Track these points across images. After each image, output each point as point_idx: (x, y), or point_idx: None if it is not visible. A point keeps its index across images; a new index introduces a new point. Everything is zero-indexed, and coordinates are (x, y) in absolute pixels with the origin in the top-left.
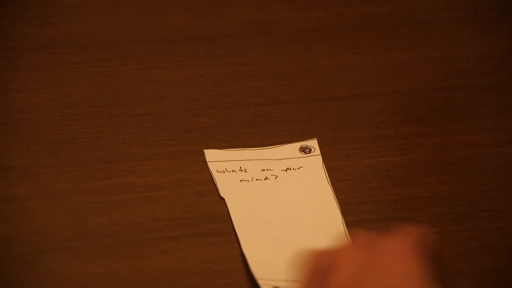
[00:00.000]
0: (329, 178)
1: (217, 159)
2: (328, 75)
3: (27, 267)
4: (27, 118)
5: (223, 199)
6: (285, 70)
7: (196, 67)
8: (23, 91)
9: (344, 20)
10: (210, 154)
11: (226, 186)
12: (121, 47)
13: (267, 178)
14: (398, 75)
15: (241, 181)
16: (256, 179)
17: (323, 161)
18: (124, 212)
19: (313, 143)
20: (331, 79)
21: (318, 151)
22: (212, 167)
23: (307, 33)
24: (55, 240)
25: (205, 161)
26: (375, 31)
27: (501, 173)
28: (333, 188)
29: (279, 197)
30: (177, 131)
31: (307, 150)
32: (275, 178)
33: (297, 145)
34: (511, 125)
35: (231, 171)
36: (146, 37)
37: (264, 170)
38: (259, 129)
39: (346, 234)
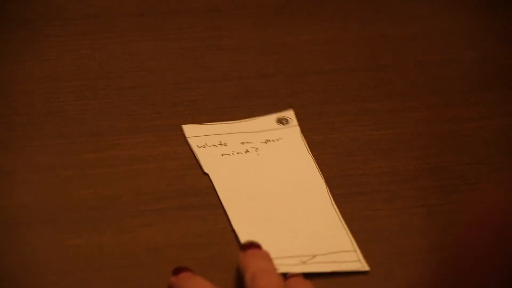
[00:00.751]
0: (314, 151)
1: (196, 134)
2: (312, 49)
3: (10, 240)
4: (11, 91)
5: (207, 174)
6: (269, 44)
7: (179, 41)
8: (6, 64)
9: None
10: (189, 130)
11: (208, 161)
12: (104, 21)
13: (247, 151)
14: (382, 50)
15: (222, 155)
16: (237, 153)
17: (310, 134)
18: (109, 185)
19: (290, 114)
20: (314, 53)
21: (295, 121)
22: (192, 142)
23: (290, 6)
24: (39, 213)
25: (185, 137)
26: (358, 5)
27: (485, 146)
28: (318, 162)
29: (262, 170)
30: (163, 105)
31: (284, 121)
32: (256, 150)
33: (274, 116)
34: (494, 99)
35: (211, 145)
36: (129, 10)
37: (244, 143)
38: (244, 103)
39: (332, 205)
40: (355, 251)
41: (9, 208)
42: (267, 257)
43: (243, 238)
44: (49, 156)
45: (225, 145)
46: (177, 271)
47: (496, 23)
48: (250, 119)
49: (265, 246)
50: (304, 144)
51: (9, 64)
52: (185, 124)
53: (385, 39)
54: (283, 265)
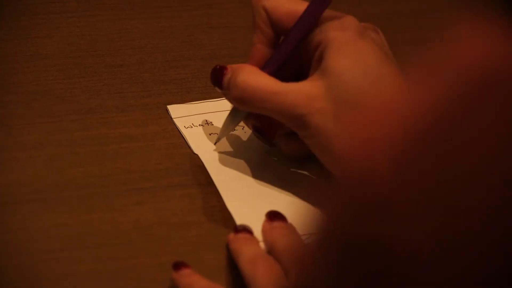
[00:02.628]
0: None
1: (182, 115)
2: None
3: None
4: None
5: (196, 155)
6: None
7: (169, 18)
8: None
9: None
10: (174, 110)
11: (197, 142)
12: None
13: (235, 130)
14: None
15: (210, 134)
16: None
17: None
18: (98, 163)
19: None
20: None
21: None
22: (179, 123)
23: None
24: (28, 192)
25: (171, 118)
26: None
27: None
28: None
29: (250, 147)
30: (152, 83)
31: None
32: (242, 129)
33: None
34: None
35: (198, 125)
36: None
37: None
38: None
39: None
40: None
41: None
42: (257, 243)
43: (238, 218)
44: (38, 135)
45: (212, 124)
46: (177, 266)
47: None
48: None
49: (260, 225)
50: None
51: None
52: (174, 102)
53: (373, 18)
54: None
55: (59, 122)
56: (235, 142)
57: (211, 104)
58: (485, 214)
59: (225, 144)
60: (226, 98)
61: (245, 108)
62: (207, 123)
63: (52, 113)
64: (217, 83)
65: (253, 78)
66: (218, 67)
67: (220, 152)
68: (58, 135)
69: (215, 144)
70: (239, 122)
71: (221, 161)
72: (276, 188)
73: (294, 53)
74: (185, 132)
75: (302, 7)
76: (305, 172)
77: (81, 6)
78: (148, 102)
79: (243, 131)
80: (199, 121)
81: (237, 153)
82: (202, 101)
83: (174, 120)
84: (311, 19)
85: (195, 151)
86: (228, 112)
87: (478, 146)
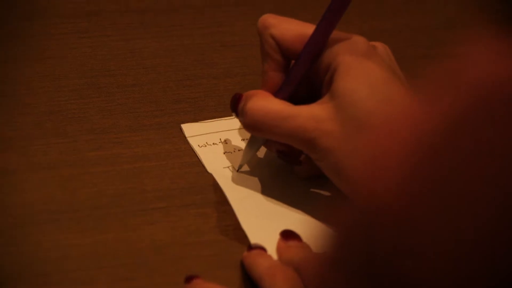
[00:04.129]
0: None
1: (196, 133)
2: None
3: (13, 240)
4: (13, 90)
5: (210, 174)
6: None
7: (180, 37)
8: (9, 62)
9: None
10: (188, 129)
11: (211, 161)
12: (104, 18)
13: (255, 156)
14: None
15: (224, 153)
16: (239, 150)
17: None
18: (112, 183)
19: None
20: None
21: None
22: (193, 142)
23: (290, 3)
24: (42, 212)
25: (185, 137)
26: (359, 1)
27: None
28: None
29: (264, 166)
30: (165, 102)
31: None
32: None
33: None
34: None
35: (212, 144)
36: (129, 7)
37: (244, 139)
38: None
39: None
40: None
41: (12, 208)
42: (272, 257)
43: (252, 236)
44: (52, 155)
45: (226, 143)
46: (189, 279)
47: None
48: None
49: (275, 244)
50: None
51: (11, 62)
52: (187, 121)
53: (385, 33)
54: None
55: (73, 142)
56: (249, 160)
57: (225, 122)
58: (499, 227)
59: (238, 162)
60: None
61: (257, 134)
62: (221, 142)
63: (65, 134)
64: (234, 110)
65: (262, 104)
66: (236, 95)
67: (233, 171)
68: (72, 156)
69: (237, 171)
70: (259, 147)
71: (235, 179)
72: (290, 207)
73: (306, 75)
74: (199, 151)
75: (309, 30)
76: (318, 191)
77: (93, 26)
78: (161, 121)
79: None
80: (213, 140)
81: (251, 171)
82: (216, 119)
83: (188, 139)
84: (320, 42)
85: (209, 170)
86: (241, 129)
87: (486, 160)
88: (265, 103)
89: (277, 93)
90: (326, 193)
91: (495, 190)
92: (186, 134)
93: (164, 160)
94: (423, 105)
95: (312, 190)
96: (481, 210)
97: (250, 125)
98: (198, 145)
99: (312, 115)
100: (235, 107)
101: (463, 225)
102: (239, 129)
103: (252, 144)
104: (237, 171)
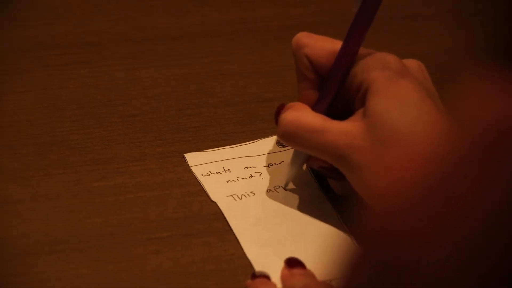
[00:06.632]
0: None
1: (199, 162)
2: None
3: (17, 271)
4: (15, 121)
5: (214, 202)
6: (269, 67)
7: (180, 66)
8: (9, 94)
9: (327, 16)
10: (191, 158)
11: (214, 189)
12: (104, 48)
13: (252, 176)
14: None
15: (227, 182)
16: (242, 178)
17: None
18: (116, 213)
19: None
20: None
21: None
22: (197, 171)
23: (289, 30)
24: (46, 243)
25: (188, 166)
26: None
27: None
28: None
29: (269, 195)
30: (166, 131)
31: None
32: (260, 175)
33: (273, 138)
34: None
35: (215, 173)
36: (128, 37)
37: (247, 168)
38: (247, 128)
39: (341, 224)
40: None
41: (15, 239)
42: (275, 285)
43: (257, 265)
44: (55, 186)
45: (229, 171)
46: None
47: None
48: (250, 142)
49: (279, 272)
50: (307, 167)
51: (11, 94)
52: (188, 150)
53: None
54: None
55: (76, 173)
56: (252, 188)
57: (227, 151)
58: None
59: (242, 191)
60: None
61: (290, 145)
62: (224, 170)
63: (68, 164)
64: (275, 120)
65: (296, 115)
66: (279, 106)
67: (237, 199)
68: (74, 186)
69: (284, 189)
70: (302, 164)
71: (239, 208)
72: (294, 234)
73: (340, 92)
74: (203, 180)
75: (340, 46)
76: (322, 218)
77: (93, 56)
78: (163, 150)
79: (261, 177)
80: (216, 169)
81: (254, 199)
82: (218, 148)
83: (192, 168)
84: (349, 54)
85: (213, 198)
86: (245, 158)
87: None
88: (299, 115)
89: (314, 107)
90: (331, 222)
91: (498, 221)
92: (190, 164)
93: (167, 189)
94: (449, 128)
95: (316, 217)
96: (483, 243)
97: (282, 135)
98: (202, 174)
99: (343, 131)
100: (276, 117)
101: (464, 255)
102: (242, 157)
103: (295, 160)
104: (284, 188)
